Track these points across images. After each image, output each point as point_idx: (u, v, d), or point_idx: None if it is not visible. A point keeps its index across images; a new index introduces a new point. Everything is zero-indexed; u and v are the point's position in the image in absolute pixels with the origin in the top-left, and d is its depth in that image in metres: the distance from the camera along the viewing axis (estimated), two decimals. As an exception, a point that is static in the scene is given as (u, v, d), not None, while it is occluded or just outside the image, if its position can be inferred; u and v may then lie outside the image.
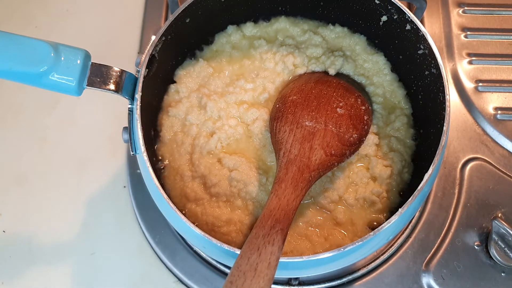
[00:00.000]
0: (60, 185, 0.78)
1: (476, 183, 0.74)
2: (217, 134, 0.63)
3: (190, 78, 0.68)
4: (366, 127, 0.62)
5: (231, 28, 0.70)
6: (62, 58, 0.50)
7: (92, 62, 0.52)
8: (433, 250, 0.71)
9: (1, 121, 0.83)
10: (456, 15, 0.87)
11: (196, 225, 0.51)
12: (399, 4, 0.60)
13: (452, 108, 0.80)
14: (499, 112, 0.79)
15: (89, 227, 0.75)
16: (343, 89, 0.64)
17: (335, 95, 0.62)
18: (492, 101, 0.80)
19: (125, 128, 0.57)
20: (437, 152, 0.53)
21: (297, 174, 0.55)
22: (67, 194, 0.77)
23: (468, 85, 0.81)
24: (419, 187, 0.52)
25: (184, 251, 0.72)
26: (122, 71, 0.53)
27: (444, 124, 0.54)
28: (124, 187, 0.78)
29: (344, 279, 0.70)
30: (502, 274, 0.69)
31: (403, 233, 0.72)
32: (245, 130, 0.65)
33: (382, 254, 0.71)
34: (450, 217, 0.73)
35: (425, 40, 0.59)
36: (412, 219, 0.72)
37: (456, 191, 0.74)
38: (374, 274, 0.70)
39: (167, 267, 0.73)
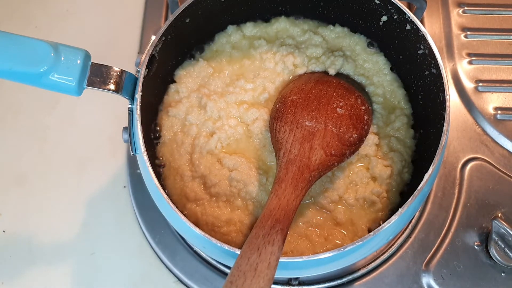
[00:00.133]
0: (60, 185, 0.78)
1: (476, 183, 0.74)
2: (217, 134, 0.63)
3: (190, 78, 0.68)
4: (366, 127, 0.62)
5: (231, 28, 0.70)
6: (62, 58, 0.50)
7: (92, 62, 0.52)
8: (433, 250, 0.71)
9: (1, 121, 0.83)
10: (456, 15, 0.87)
11: (196, 225, 0.51)
12: (399, 4, 0.60)
13: (452, 108, 0.80)
14: (499, 112, 0.79)
15: (89, 227, 0.75)
16: (343, 89, 0.64)
17: (335, 95, 0.62)
18: (492, 101, 0.80)
19: (125, 128, 0.57)
20: (437, 152, 0.53)
21: (297, 174, 0.55)
22: (67, 194, 0.77)
23: (468, 85, 0.81)
24: (419, 187, 0.52)
25: (184, 251, 0.72)
26: (122, 71, 0.53)
27: (444, 124, 0.54)
28: (124, 187, 0.78)
29: (344, 279, 0.70)
30: (502, 274, 0.69)
31: (403, 233, 0.72)
32: (245, 130, 0.65)
33: (382, 254, 0.71)
34: (450, 217, 0.73)
35: (425, 40, 0.59)
36: (412, 219, 0.72)
37: (456, 191, 0.74)
38: (374, 274, 0.70)
39: (167, 267, 0.73)
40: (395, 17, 0.62)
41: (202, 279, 0.71)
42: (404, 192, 0.63)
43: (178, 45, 0.65)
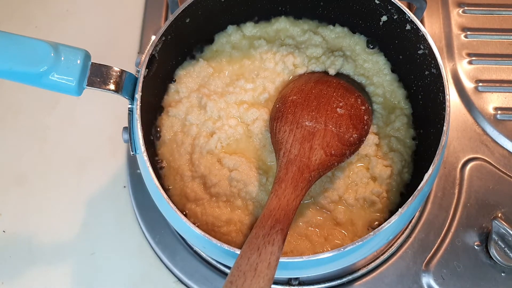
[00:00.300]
0: (60, 185, 0.78)
1: (476, 183, 0.74)
2: (217, 134, 0.63)
3: (190, 78, 0.68)
4: (366, 127, 0.62)
5: (231, 28, 0.70)
6: (62, 58, 0.50)
7: (92, 62, 0.52)
8: (433, 250, 0.71)
9: (1, 121, 0.83)
10: (456, 15, 0.87)
11: (196, 225, 0.51)
12: (399, 4, 0.60)
13: (452, 108, 0.80)
14: (499, 112, 0.79)
15: (89, 227, 0.75)
16: (343, 89, 0.64)
17: (335, 95, 0.62)
18: (492, 101, 0.80)
19: (125, 128, 0.57)
20: (437, 152, 0.53)
21: (297, 174, 0.55)
22: (67, 194, 0.77)
23: (468, 85, 0.81)
24: (419, 187, 0.52)
25: (184, 251, 0.72)
26: (122, 71, 0.53)
27: (444, 124, 0.54)
28: (124, 187, 0.78)
29: (344, 279, 0.70)
30: (502, 274, 0.69)
31: (403, 233, 0.73)
32: (245, 130, 0.65)
33: (382, 254, 0.71)
34: (450, 217, 0.73)
35: (425, 40, 0.59)
36: (412, 219, 0.72)
37: (456, 191, 0.74)
38: (374, 274, 0.70)
39: (167, 267, 0.73)
40: (395, 17, 0.62)
41: (202, 279, 0.71)
42: (404, 192, 0.63)
43: (178, 45, 0.65)
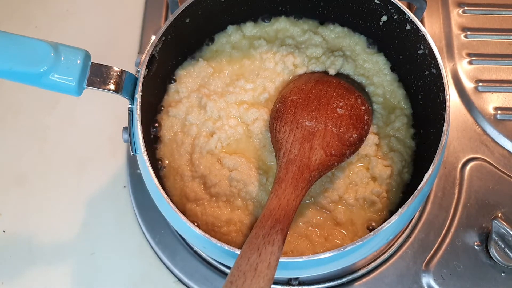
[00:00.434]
0: (60, 185, 0.78)
1: (476, 183, 0.74)
2: (217, 134, 0.63)
3: (190, 78, 0.68)
4: (366, 127, 0.62)
5: (231, 28, 0.70)
6: (62, 58, 0.50)
7: (92, 62, 0.52)
8: (433, 250, 0.71)
9: (1, 121, 0.83)
10: (456, 15, 0.87)
11: (196, 225, 0.51)
12: (399, 4, 0.60)
13: (452, 108, 0.80)
14: (499, 112, 0.79)
15: (89, 227, 0.75)
16: (343, 89, 0.64)
17: (335, 95, 0.62)
18: (492, 101, 0.80)
19: (125, 128, 0.57)
20: (437, 152, 0.53)
21: (297, 174, 0.55)
22: (67, 194, 0.77)
23: (468, 85, 0.81)
24: (419, 187, 0.52)
25: (184, 251, 0.72)
26: (122, 71, 0.53)
27: (444, 124, 0.54)
28: (124, 187, 0.78)
29: (344, 279, 0.70)
30: (502, 274, 0.69)
31: (403, 233, 0.72)
32: (245, 130, 0.65)
33: (382, 254, 0.71)
34: (450, 217, 0.73)
35: (425, 40, 0.59)
36: (412, 219, 0.72)
37: (456, 191, 0.74)
38: (374, 274, 0.70)
39: (167, 267, 0.73)
40: (395, 17, 0.62)
41: (202, 279, 0.71)
42: (404, 192, 0.63)
43: (178, 45, 0.65)
